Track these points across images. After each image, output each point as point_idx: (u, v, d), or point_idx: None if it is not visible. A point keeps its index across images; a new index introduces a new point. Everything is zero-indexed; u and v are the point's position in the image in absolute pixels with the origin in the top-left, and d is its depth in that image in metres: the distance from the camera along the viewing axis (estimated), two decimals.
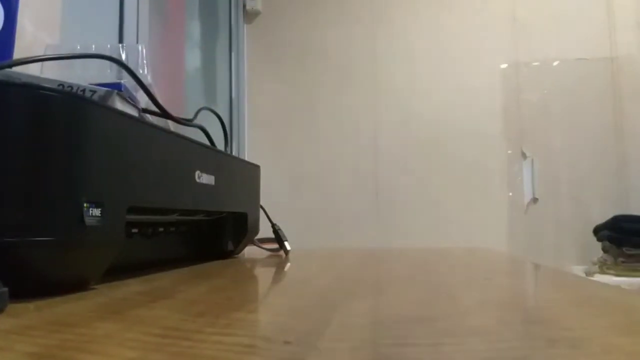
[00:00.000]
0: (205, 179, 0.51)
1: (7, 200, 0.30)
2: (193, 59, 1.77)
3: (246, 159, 0.71)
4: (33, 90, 0.31)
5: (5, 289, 0.27)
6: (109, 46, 0.60)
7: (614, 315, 0.26)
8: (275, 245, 0.74)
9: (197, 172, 0.49)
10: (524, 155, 2.10)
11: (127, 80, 0.50)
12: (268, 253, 0.73)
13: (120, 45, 0.62)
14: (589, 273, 1.65)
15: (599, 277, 1.59)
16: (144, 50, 0.62)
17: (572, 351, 0.19)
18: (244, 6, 2.18)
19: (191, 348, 0.20)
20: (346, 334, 0.22)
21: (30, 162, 0.30)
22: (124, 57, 0.59)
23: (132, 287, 0.37)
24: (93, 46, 0.59)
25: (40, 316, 0.26)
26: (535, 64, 2.11)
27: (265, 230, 0.74)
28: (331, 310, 0.27)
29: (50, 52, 0.54)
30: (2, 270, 0.27)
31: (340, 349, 0.20)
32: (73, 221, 0.31)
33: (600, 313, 0.27)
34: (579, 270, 1.68)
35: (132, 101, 0.45)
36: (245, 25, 2.21)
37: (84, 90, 0.41)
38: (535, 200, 2.07)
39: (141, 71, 0.60)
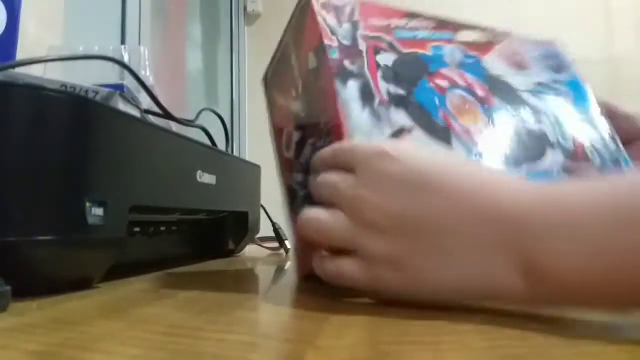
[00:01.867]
0: (207, 178, 0.51)
1: (10, 200, 0.30)
2: (195, 60, 1.78)
3: (247, 159, 0.71)
4: (36, 91, 0.31)
5: (9, 288, 0.27)
6: (111, 48, 0.60)
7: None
8: (276, 244, 0.75)
9: (199, 172, 0.49)
10: None
11: (129, 82, 0.51)
12: (269, 252, 0.74)
13: (123, 46, 0.62)
14: None
15: None
16: (146, 52, 0.62)
17: (569, 350, 0.19)
18: (245, 8, 2.18)
19: (193, 346, 0.20)
20: (346, 332, 0.22)
21: (33, 162, 0.30)
22: (126, 58, 0.60)
23: (135, 285, 0.37)
24: (96, 48, 0.59)
25: (43, 315, 0.26)
26: None
27: (265, 230, 0.74)
28: (331, 308, 0.28)
29: (53, 54, 0.55)
30: (5, 269, 0.27)
31: (339, 347, 0.20)
32: (76, 220, 0.31)
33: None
34: None
35: (134, 102, 0.46)
36: (246, 27, 2.21)
37: (86, 92, 0.41)
38: None
39: (143, 72, 0.60)
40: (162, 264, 0.51)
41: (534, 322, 0.23)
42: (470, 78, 0.38)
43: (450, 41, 0.39)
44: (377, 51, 0.36)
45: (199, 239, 0.62)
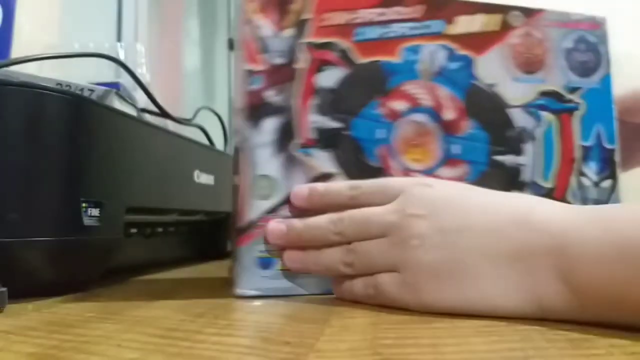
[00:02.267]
0: (205, 178, 0.50)
1: (5, 200, 0.29)
2: (192, 57, 1.77)
3: None
4: (31, 90, 0.31)
5: (4, 289, 0.26)
6: (107, 45, 0.60)
7: None
8: None
9: (196, 172, 0.49)
10: None
11: (125, 80, 0.50)
12: None
13: (119, 44, 0.62)
14: None
15: None
16: (143, 49, 0.62)
17: (573, 352, 0.19)
18: None
19: (191, 349, 0.20)
20: (347, 335, 0.22)
21: (28, 161, 0.30)
22: (122, 56, 0.59)
23: (131, 287, 0.37)
24: (91, 45, 0.59)
25: (39, 317, 0.26)
26: None
27: None
28: (331, 310, 0.27)
29: (49, 51, 0.54)
30: (1, 270, 0.27)
31: (340, 350, 0.19)
32: (71, 221, 0.31)
33: None
34: None
35: (130, 100, 0.45)
36: None
37: (82, 90, 0.40)
38: None
39: (139, 70, 0.60)
40: (159, 266, 0.51)
41: (537, 324, 0.23)
42: (444, 93, 0.32)
43: (437, 36, 0.32)
44: (320, 67, 0.31)
45: (197, 240, 0.62)
